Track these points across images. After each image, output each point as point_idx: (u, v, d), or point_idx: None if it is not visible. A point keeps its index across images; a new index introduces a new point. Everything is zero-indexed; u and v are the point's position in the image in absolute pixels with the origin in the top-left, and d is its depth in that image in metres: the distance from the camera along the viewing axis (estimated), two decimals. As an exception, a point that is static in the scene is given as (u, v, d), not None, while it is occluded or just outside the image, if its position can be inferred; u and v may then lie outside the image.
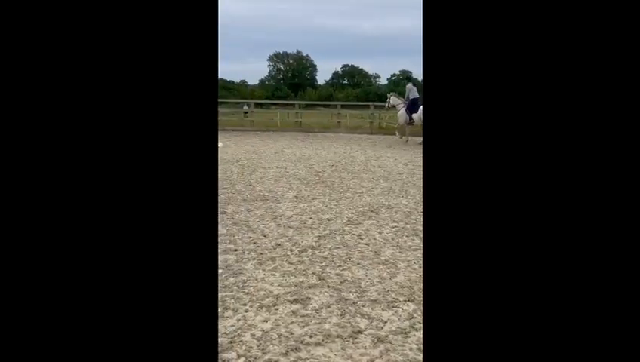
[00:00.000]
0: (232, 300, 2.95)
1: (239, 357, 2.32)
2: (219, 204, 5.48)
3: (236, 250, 3.90)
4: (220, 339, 2.47)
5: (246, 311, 2.82)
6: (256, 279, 3.30)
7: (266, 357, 2.32)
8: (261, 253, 3.84)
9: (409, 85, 13.48)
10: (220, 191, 6.25)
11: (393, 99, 14.15)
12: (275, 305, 2.90)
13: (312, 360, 2.31)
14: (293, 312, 2.81)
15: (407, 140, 13.06)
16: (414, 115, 12.72)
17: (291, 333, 2.56)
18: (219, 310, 2.81)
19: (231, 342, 2.45)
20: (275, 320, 2.71)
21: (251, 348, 2.41)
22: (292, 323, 2.68)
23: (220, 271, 3.43)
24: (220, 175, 7.55)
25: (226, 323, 2.65)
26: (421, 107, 12.21)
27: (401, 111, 13.32)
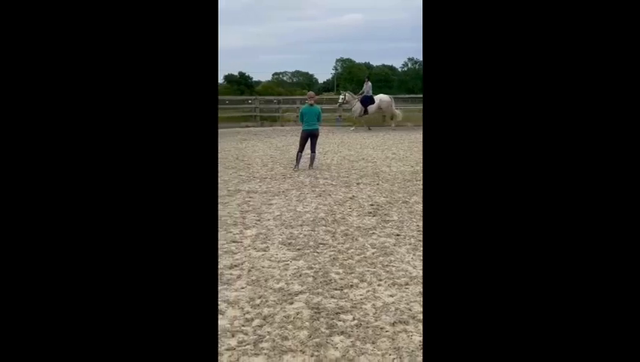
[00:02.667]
0: (371, 275, 3.27)
1: (354, 319, 2.65)
2: (405, 195, 5.79)
3: (398, 235, 4.18)
4: (343, 303, 2.85)
5: (379, 284, 3.11)
6: (402, 261, 3.54)
7: (376, 324, 2.59)
8: (420, 240, 4.03)
9: (369, 83, 15.54)
10: (412, 183, 6.54)
11: (348, 96, 15.65)
12: (407, 284, 3.12)
13: (414, 333, 2.49)
14: (421, 293, 2.98)
15: (370, 128, 15.11)
16: (370, 107, 14.95)
17: (409, 309, 2.76)
18: (355, 281, 3.18)
19: (352, 307, 2.79)
20: (401, 296, 2.94)
21: (367, 314, 2.71)
22: (414, 301, 2.86)
23: (373, 250, 3.79)
24: (416, 168, 7.80)
25: (356, 292, 3.00)
26: (377, 98, 15.13)
27: (357, 105, 15.03)
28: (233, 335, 2.48)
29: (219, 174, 7.27)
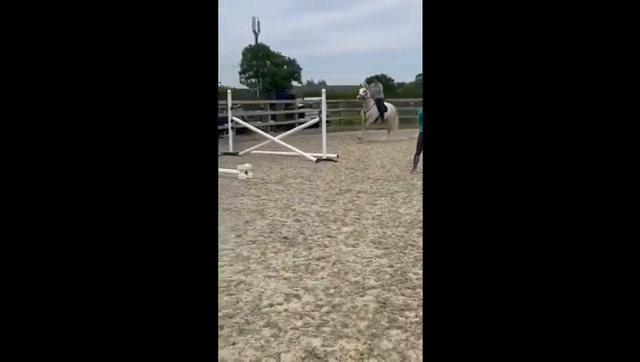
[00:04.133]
0: (449, 278, 3.31)
1: (416, 316, 2.75)
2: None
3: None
4: (411, 301, 2.95)
5: (453, 288, 3.14)
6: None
7: (435, 323, 2.67)
8: (515, 248, 3.89)
9: (380, 86, 13.84)
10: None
11: (363, 92, 13.47)
12: (483, 290, 3.09)
13: (471, 337, 2.51)
14: (494, 300, 2.95)
15: (361, 139, 13.17)
16: (385, 113, 13.35)
17: (475, 314, 2.77)
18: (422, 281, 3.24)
19: (418, 306, 2.89)
20: (471, 301, 2.94)
21: (431, 314, 2.79)
22: (484, 307, 2.85)
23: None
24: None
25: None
26: (389, 106, 13.48)
27: (373, 109, 13.18)
28: (301, 318, 2.77)
29: (336, 174, 7.66)
